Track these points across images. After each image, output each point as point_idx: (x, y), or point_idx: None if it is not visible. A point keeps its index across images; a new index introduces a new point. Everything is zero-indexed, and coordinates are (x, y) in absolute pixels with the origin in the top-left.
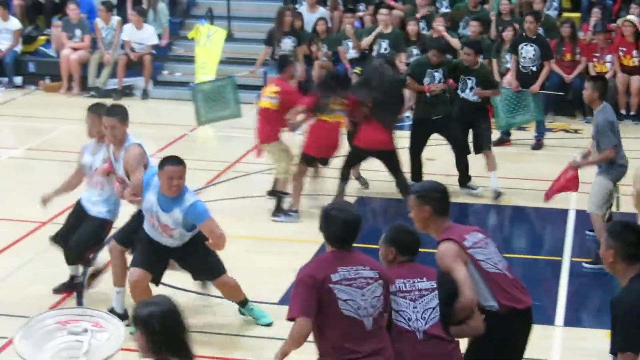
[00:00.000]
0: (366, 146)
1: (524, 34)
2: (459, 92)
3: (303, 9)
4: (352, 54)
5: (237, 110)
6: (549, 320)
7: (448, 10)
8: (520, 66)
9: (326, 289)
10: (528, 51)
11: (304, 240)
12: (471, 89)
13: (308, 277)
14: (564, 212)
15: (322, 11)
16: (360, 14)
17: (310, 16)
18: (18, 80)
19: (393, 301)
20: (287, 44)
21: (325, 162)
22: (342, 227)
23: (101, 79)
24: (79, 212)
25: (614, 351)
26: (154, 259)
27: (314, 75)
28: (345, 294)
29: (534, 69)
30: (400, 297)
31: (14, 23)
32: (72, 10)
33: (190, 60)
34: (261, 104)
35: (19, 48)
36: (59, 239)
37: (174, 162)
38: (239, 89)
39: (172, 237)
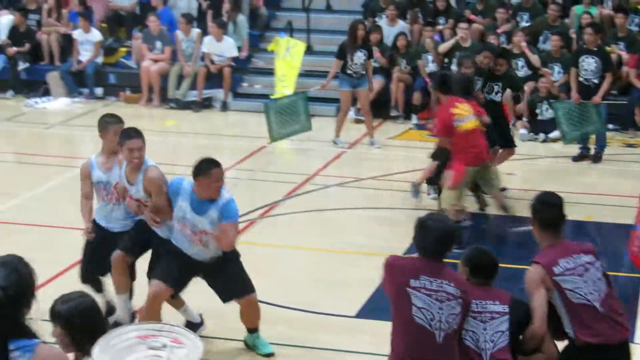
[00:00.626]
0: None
1: (584, 45)
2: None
3: (383, 22)
4: (432, 67)
5: (308, 124)
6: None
7: (528, 24)
8: (581, 78)
9: (402, 291)
10: (589, 63)
11: (380, 253)
12: (496, 93)
13: (390, 266)
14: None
15: (401, 25)
16: (440, 27)
17: (390, 30)
18: (99, 91)
19: None
20: (360, 57)
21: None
22: (435, 238)
23: (181, 91)
24: (103, 238)
25: None
26: (179, 274)
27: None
28: (421, 302)
29: (596, 81)
30: (470, 317)
31: (95, 34)
32: (152, 22)
33: (269, 72)
34: (469, 125)
35: (99, 59)
36: (91, 276)
37: (217, 165)
38: (311, 101)
39: (208, 246)
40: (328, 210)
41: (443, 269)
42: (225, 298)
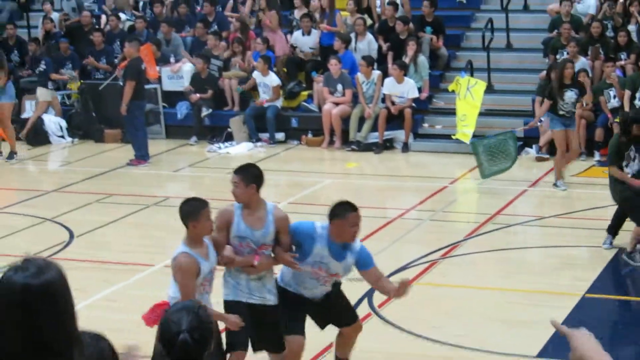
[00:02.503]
0: None
1: None
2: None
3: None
4: (614, 103)
5: (515, 162)
6: None
7: None
8: None
9: None
10: None
11: (563, 292)
12: None
13: None
14: None
15: (583, 61)
16: (621, 62)
17: None
18: (280, 135)
19: None
20: (570, 96)
21: None
22: None
23: (362, 133)
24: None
25: None
26: (304, 319)
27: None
28: None
29: None
30: None
31: (273, 79)
32: (333, 65)
33: (450, 112)
34: None
35: (279, 103)
36: None
37: (355, 209)
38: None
39: (331, 285)
40: (509, 250)
41: None
42: (340, 324)
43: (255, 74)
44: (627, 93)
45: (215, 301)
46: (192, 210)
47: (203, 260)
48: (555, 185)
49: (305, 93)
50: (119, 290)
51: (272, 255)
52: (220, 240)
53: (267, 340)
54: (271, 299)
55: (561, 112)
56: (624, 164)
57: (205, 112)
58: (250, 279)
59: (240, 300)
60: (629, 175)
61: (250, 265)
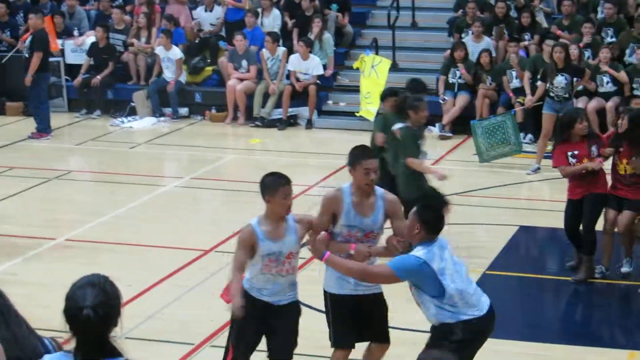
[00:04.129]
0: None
1: None
2: None
3: (468, 39)
4: (516, 83)
5: (518, 145)
6: None
7: (614, 39)
8: None
9: None
10: None
11: None
12: None
13: None
14: None
15: (487, 41)
16: (525, 43)
17: (476, 46)
18: (183, 110)
19: None
20: (560, 81)
21: None
22: None
23: (266, 109)
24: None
25: None
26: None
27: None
28: None
29: None
30: None
31: (176, 52)
32: (238, 41)
33: (355, 90)
34: None
35: (183, 78)
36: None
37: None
38: None
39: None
40: None
41: None
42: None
43: (159, 50)
44: (527, 74)
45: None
46: (270, 185)
47: (267, 239)
48: (534, 170)
49: (209, 68)
50: (19, 264)
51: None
52: (320, 226)
53: (375, 330)
54: (379, 287)
55: (551, 95)
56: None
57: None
58: None
59: (346, 293)
60: None
61: (347, 252)
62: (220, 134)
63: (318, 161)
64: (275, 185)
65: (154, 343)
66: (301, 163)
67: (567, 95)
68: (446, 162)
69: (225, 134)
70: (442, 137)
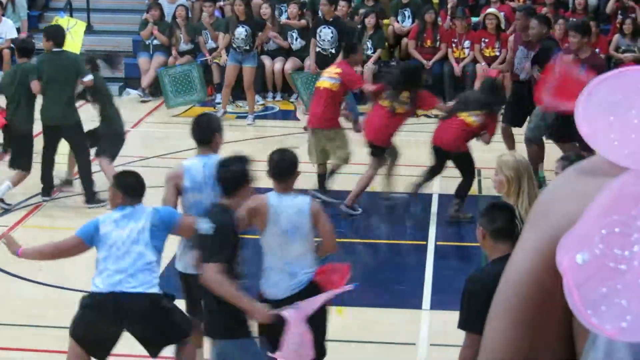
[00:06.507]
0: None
1: (321, 17)
2: None
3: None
4: (212, 44)
5: (203, 94)
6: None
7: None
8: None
9: None
10: (326, 34)
11: None
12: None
13: None
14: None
15: (182, 1)
16: (220, 3)
17: (171, 7)
18: None
19: None
20: (241, 33)
21: (374, 148)
22: None
23: None
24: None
25: (460, 327)
26: None
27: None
28: None
29: (333, 51)
30: None
31: None
32: None
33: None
34: (321, 84)
35: None
36: None
37: None
38: None
39: None
40: None
41: None
42: None
43: None
44: (221, 35)
45: None
46: None
47: None
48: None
49: None
50: None
51: None
52: None
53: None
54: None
55: (234, 46)
56: None
57: None
58: None
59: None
60: None
61: None
62: None
63: None
64: None
65: None
66: None
67: (247, 47)
68: (144, 125)
69: None
70: (144, 102)
